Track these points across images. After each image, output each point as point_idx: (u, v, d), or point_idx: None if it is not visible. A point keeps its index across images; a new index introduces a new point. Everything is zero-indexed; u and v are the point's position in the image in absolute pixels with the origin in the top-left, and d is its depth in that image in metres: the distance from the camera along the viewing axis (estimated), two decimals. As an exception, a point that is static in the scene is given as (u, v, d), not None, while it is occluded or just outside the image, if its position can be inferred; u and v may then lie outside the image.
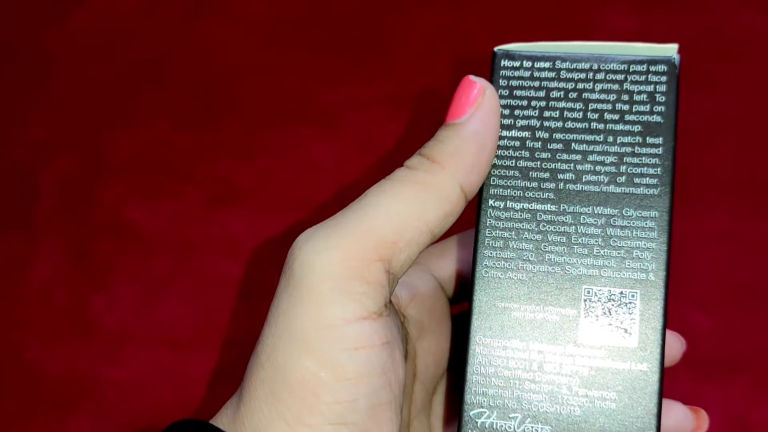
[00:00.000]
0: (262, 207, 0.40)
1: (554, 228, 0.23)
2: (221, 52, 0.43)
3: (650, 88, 0.24)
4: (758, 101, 0.39)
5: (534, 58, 0.25)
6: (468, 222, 0.25)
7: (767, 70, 0.39)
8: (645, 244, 0.23)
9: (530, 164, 0.24)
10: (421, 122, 0.41)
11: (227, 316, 0.38)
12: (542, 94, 0.24)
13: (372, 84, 0.41)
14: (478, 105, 0.23)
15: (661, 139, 0.24)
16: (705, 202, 0.37)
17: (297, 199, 0.39)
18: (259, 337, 0.22)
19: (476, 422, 0.23)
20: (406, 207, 0.22)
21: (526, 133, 0.24)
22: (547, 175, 0.24)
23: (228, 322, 0.38)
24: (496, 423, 0.23)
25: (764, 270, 0.36)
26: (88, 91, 0.43)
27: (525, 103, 0.24)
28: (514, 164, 0.24)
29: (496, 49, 0.25)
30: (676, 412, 0.28)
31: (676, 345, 0.28)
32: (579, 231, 0.23)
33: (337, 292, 0.21)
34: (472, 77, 0.23)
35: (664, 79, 0.24)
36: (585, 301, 0.23)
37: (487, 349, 0.23)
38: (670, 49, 0.24)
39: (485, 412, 0.23)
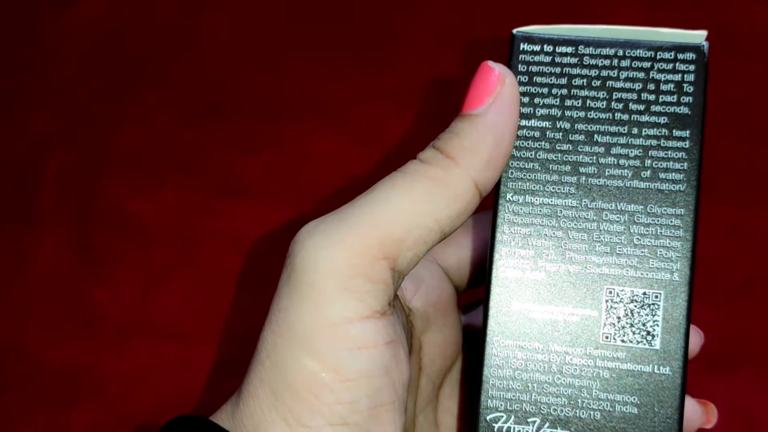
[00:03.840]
0: (265, 200, 0.39)
1: (575, 224, 0.22)
2: (224, 45, 0.42)
3: (678, 77, 0.23)
4: (763, 94, 0.38)
5: (555, 42, 0.23)
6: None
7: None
8: (670, 243, 0.22)
9: (550, 156, 0.23)
10: (425, 115, 0.40)
11: (229, 308, 0.38)
12: (564, 81, 0.23)
13: (375, 77, 0.41)
14: (497, 94, 0.21)
15: (688, 132, 0.22)
16: (711, 195, 0.37)
17: (300, 192, 0.39)
18: (260, 334, 0.22)
19: (493, 427, 0.22)
20: (416, 204, 0.21)
21: (547, 123, 0.23)
22: (568, 168, 0.23)
23: (230, 314, 0.38)
24: (514, 428, 0.22)
25: (770, 263, 0.36)
26: (90, 84, 0.42)
27: (545, 90, 0.23)
28: (533, 156, 0.23)
29: (515, 31, 0.24)
30: (685, 405, 0.27)
31: (695, 338, 0.28)
32: (601, 228, 0.22)
33: (340, 291, 0.20)
34: (490, 63, 0.22)
35: (692, 68, 0.23)
36: (607, 301, 0.22)
37: (504, 351, 0.22)
38: (698, 36, 0.23)
39: (502, 416, 0.22)
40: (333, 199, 0.38)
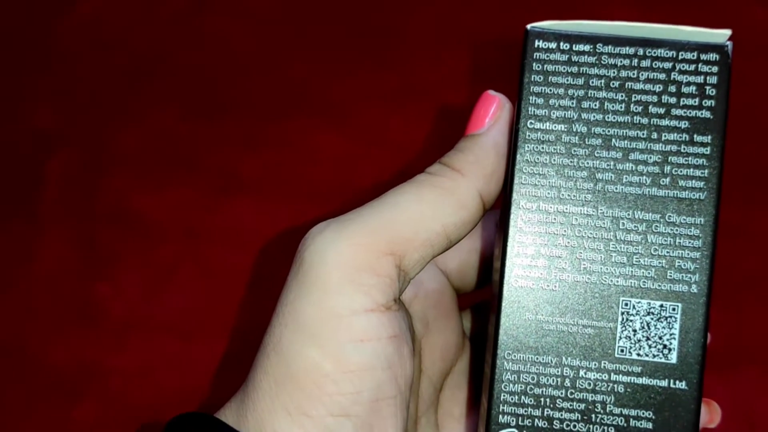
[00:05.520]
0: (267, 197, 0.39)
1: (591, 233, 0.21)
2: (227, 43, 0.42)
3: (700, 79, 0.21)
4: (764, 95, 0.38)
5: (572, 39, 0.22)
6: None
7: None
8: (688, 254, 0.21)
9: (566, 161, 0.22)
10: (428, 114, 0.40)
11: (232, 304, 0.38)
12: (581, 81, 0.22)
13: (378, 76, 0.41)
14: (498, 117, 0.23)
15: (709, 137, 0.21)
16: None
17: (302, 189, 0.39)
18: (267, 328, 0.22)
19: None
20: (424, 208, 0.22)
21: (562, 126, 0.22)
22: (584, 174, 0.22)
23: (233, 311, 0.38)
24: None
25: (770, 262, 0.36)
26: (94, 81, 0.42)
27: (561, 91, 0.22)
28: (548, 161, 0.22)
29: (529, 27, 0.22)
30: None
31: None
32: (618, 237, 0.21)
33: (346, 283, 0.21)
34: (491, 92, 0.23)
35: (715, 69, 0.22)
36: (623, 314, 0.21)
37: (516, 365, 0.21)
38: (721, 35, 0.22)
39: None
40: (334, 196, 0.38)
